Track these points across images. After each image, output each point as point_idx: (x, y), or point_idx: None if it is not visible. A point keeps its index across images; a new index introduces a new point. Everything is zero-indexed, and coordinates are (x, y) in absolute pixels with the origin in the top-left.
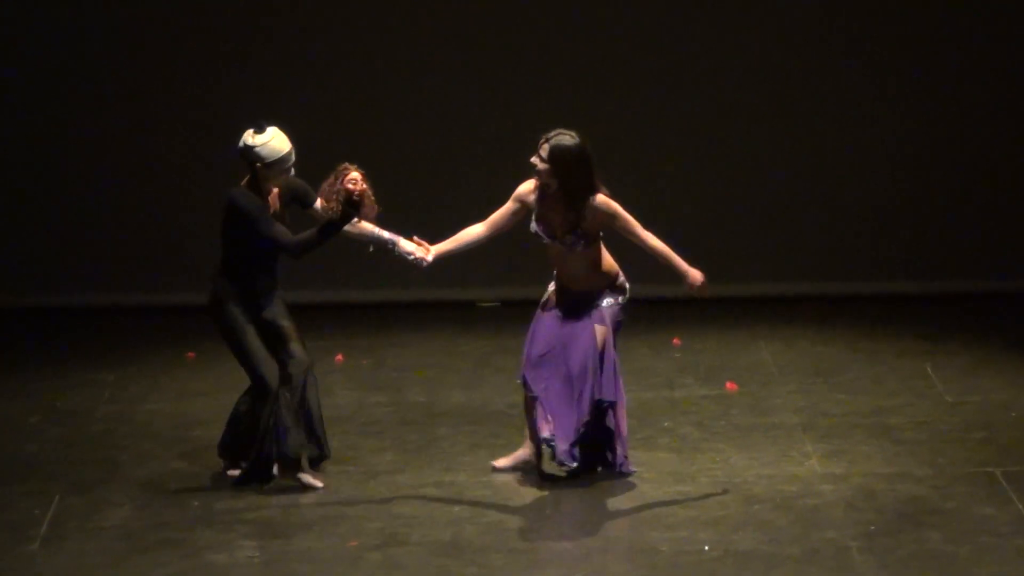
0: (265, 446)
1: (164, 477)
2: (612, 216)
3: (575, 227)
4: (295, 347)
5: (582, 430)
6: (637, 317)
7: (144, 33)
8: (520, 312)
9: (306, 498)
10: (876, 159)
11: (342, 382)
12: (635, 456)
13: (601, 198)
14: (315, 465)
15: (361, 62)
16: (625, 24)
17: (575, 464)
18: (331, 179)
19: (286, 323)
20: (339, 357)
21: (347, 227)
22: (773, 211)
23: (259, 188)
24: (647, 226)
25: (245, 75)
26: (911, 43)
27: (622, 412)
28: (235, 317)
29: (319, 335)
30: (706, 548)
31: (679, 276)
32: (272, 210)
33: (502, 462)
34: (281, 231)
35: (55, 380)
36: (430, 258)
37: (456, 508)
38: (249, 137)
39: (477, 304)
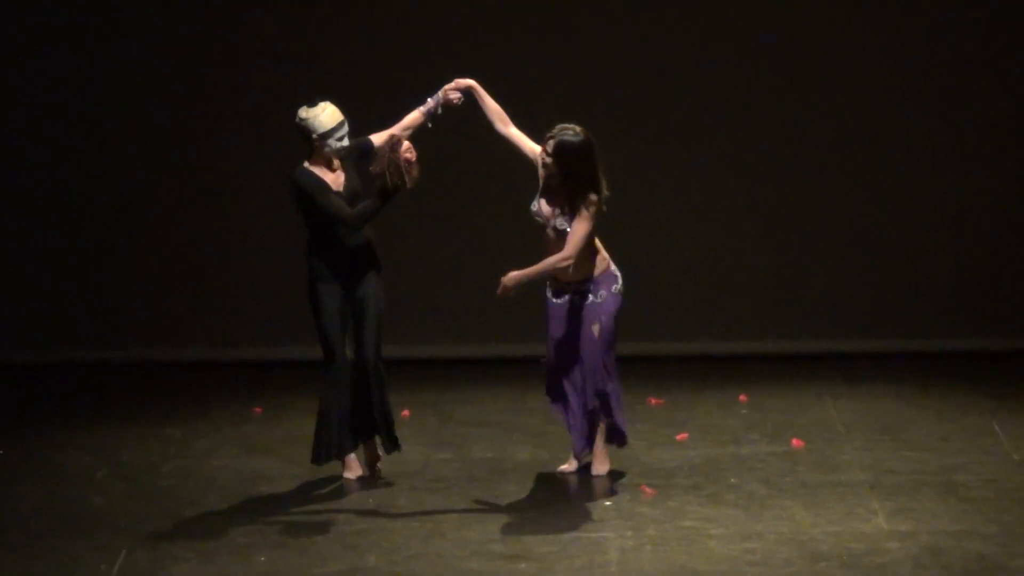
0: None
1: (230, 532)
2: (578, 215)
3: (571, 215)
4: (365, 343)
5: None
6: (705, 374)
7: (203, 88)
8: None
9: (372, 553)
10: (942, 215)
11: (409, 437)
12: (701, 512)
13: (592, 198)
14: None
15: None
16: (665, 55)
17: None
18: (385, 150)
19: (369, 314)
20: (405, 412)
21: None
22: (839, 268)
23: (321, 161)
24: (711, 276)
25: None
26: (972, 86)
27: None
28: (320, 298)
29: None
30: None
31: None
32: (341, 179)
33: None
34: (339, 206)
35: (122, 435)
36: (458, 97)
37: (522, 565)
38: (303, 111)
39: (543, 360)
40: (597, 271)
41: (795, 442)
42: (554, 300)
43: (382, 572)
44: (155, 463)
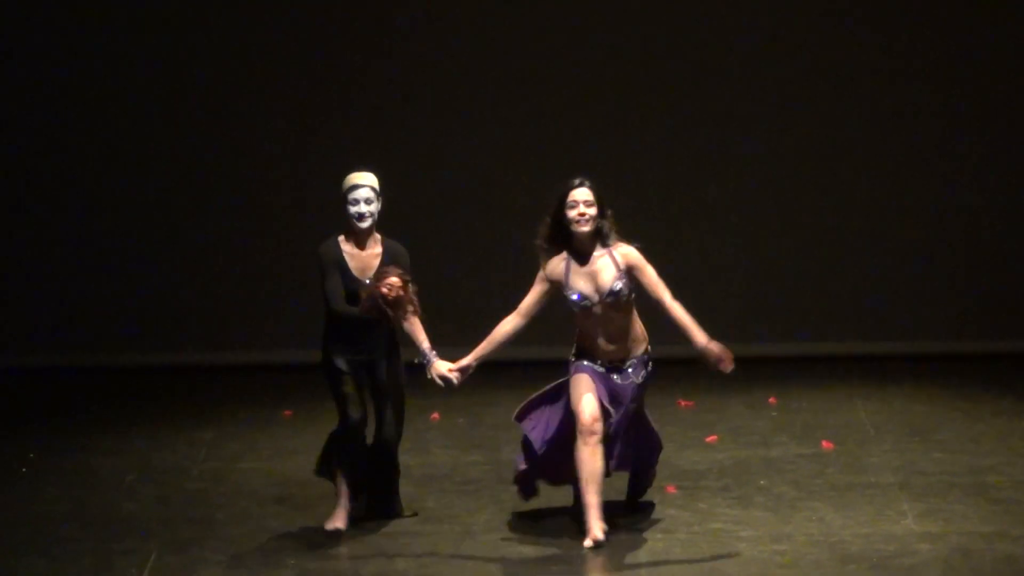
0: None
1: (260, 536)
2: (636, 262)
3: (616, 275)
4: (386, 425)
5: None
6: (734, 376)
7: (226, 91)
8: None
9: (403, 558)
10: (974, 218)
11: (438, 440)
12: (731, 515)
13: (625, 247)
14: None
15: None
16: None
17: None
18: (374, 278)
19: (392, 395)
20: (435, 415)
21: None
22: (869, 270)
23: (354, 237)
24: (744, 279)
25: (340, 137)
26: (993, 88)
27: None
28: (332, 363)
29: (415, 394)
30: None
31: (697, 350)
32: (374, 264)
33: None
34: (333, 290)
35: (152, 439)
36: (456, 377)
37: (553, 568)
38: None
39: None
40: (640, 349)
41: (825, 444)
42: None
43: (412, 574)
44: (185, 467)
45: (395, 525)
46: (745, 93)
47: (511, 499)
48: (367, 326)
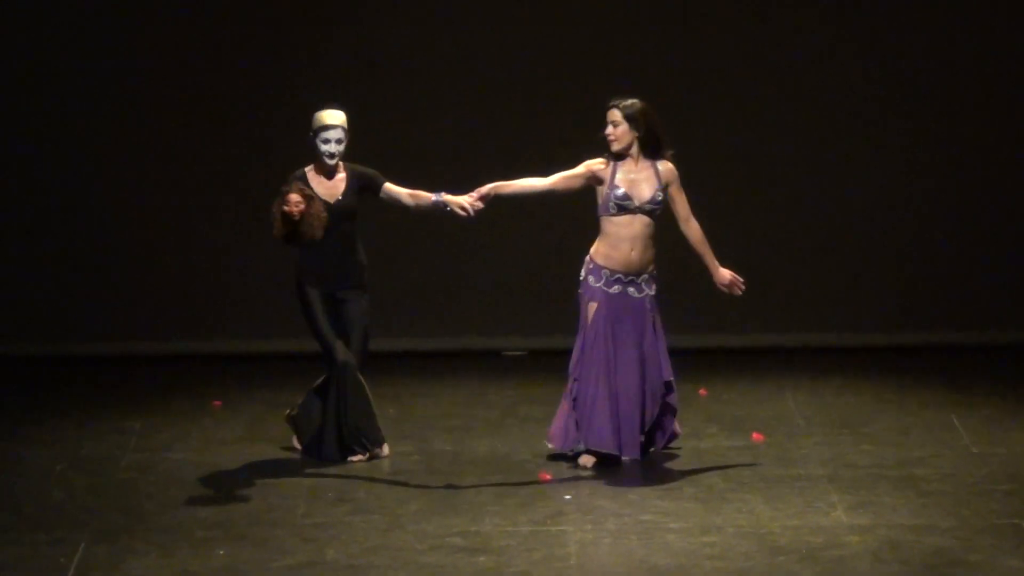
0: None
1: (189, 525)
2: (673, 178)
3: (657, 187)
4: (351, 346)
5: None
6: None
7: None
8: (547, 361)
9: (331, 547)
10: (905, 208)
11: None
12: (661, 506)
13: (666, 162)
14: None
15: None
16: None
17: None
18: (277, 202)
19: (356, 327)
20: None
21: (410, 202)
22: (800, 263)
23: (321, 169)
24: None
25: (278, 117)
26: (950, 74)
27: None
28: (306, 298)
29: None
30: None
31: (710, 273)
32: (338, 191)
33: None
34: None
35: (81, 428)
36: (474, 204)
37: (481, 558)
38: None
39: (503, 353)
40: (653, 264)
41: (755, 436)
42: (606, 289)
43: (341, 566)
44: (114, 456)
45: (324, 515)
46: (704, 88)
47: (440, 490)
48: (336, 259)
